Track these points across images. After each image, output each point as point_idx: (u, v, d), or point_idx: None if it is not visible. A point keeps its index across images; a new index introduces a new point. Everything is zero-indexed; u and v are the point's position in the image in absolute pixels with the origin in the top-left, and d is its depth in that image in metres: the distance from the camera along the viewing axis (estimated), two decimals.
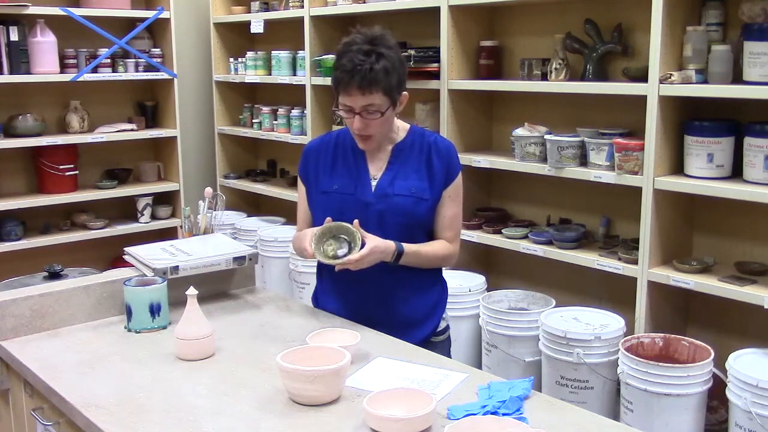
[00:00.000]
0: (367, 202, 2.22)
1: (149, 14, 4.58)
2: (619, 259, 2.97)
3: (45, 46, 4.19)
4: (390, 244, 2.14)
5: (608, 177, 2.94)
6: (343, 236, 2.11)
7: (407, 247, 2.17)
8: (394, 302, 2.24)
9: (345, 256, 2.07)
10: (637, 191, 2.86)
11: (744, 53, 2.61)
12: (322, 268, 2.37)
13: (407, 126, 2.32)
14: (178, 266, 2.27)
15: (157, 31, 4.74)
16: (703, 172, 2.74)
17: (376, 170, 2.26)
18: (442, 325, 2.35)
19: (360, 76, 2.06)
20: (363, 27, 2.20)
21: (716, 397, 2.71)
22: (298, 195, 2.42)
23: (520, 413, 1.65)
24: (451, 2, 3.41)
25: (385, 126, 2.19)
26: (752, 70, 2.58)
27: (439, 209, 2.25)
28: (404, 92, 2.20)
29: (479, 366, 3.23)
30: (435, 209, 2.25)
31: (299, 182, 2.39)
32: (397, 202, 2.21)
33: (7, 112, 4.29)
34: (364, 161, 2.26)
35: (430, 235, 2.29)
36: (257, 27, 4.60)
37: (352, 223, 2.11)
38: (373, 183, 2.24)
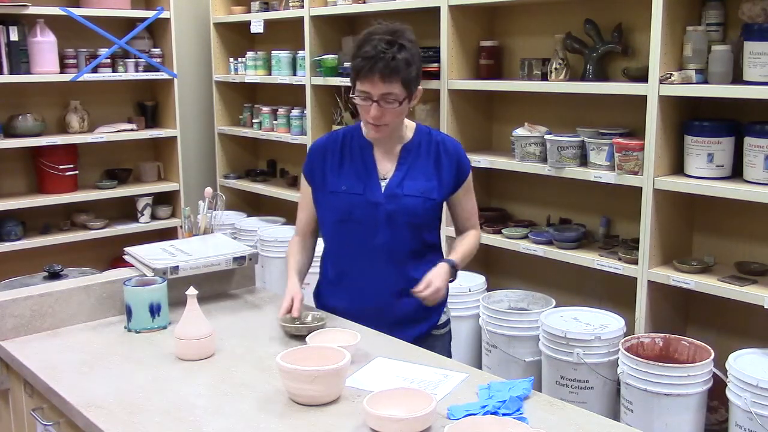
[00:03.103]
0: (377, 202, 2.23)
1: (149, 14, 4.58)
2: (619, 259, 2.97)
3: (45, 46, 4.19)
4: (443, 267, 2.22)
5: (608, 177, 2.94)
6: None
7: (455, 257, 2.30)
8: (399, 298, 2.25)
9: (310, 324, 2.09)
10: (637, 191, 2.86)
11: (744, 53, 2.61)
12: (327, 263, 2.37)
13: (414, 125, 2.33)
14: (178, 266, 2.27)
15: (157, 31, 4.74)
16: (703, 172, 2.74)
17: (385, 170, 2.27)
18: (443, 319, 2.37)
19: (383, 64, 2.08)
20: (385, 21, 2.23)
21: (716, 397, 2.71)
22: (301, 195, 2.40)
23: (520, 413, 1.65)
24: (451, 2, 3.41)
25: (399, 117, 2.20)
26: (752, 70, 2.58)
27: (459, 204, 2.37)
28: (419, 87, 2.23)
29: (479, 366, 3.23)
30: (441, 207, 2.32)
31: (303, 182, 2.38)
32: (407, 203, 2.23)
33: (7, 112, 4.29)
34: (372, 161, 2.27)
35: (437, 230, 2.34)
36: (257, 27, 4.60)
37: (360, 223, 2.21)
38: (383, 183, 2.25)
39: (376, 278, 2.24)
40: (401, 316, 2.26)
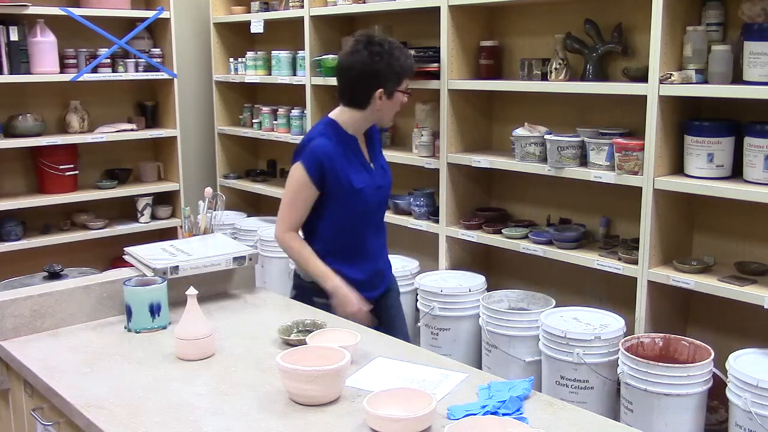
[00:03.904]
0: (381, 185, 2.61)
1: (149, 14, 4.58)
2: (619, 259, 2.97)
3: (45, 46, 4.19)
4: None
5: (608, 177, 2.94)
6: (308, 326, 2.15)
7: None
8: (385, 257, 2.73)
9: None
10: (637, 191, 2.86)
11: (744, 53, 2.61)
12: (336, 244, 2.55)
13: None
14: (178, 266, 2.27)
15: (157, 31, 4.74)
16: (703, 172, 2.74)
17: (366, 157, 2.59)
18: None
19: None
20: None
21: (716, 397, 2.71)
22: (297, 194, 2.49)
23: (520, 413, 1.65)
24: (451, 2, 3.41)
25: None
26: (752, 70, 2.58)
27: None
28: None
29: (479, 366, 3.23)
30: None
31: (306, 183, 2.47)
32: (389, 178, 2.69)
33: (7, 112, 4.29)
34: (360, 151, 2.57)
35: None
36: (257, 27, 4.60)
37: (375, 206, 2.59)
38: (372, 167, 2.60)
39: (381, 245, 2.69)
40: (387, 268, 2.75)
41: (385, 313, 2.70)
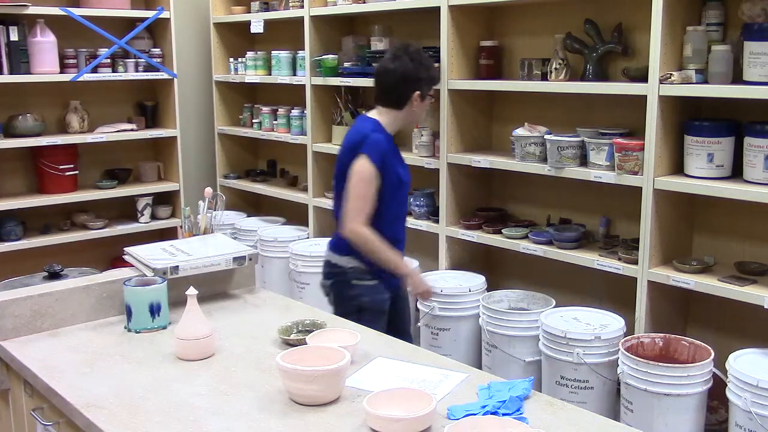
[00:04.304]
0: (410, 180, 2.87)
1: (149, 14, 4.58)
2: (619, 259, 2.97)
3: (45, 46, 4.19)
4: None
5: (608, 177, 2.94)
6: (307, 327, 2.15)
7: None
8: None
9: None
10: (637, 191, 2.86)
11: (744, 53, 2.61)
12: (382, 233, 2.70)
13: None
14: (178, 266, 2.27)
15: (157, 31, 4.74)
16: (703, 172, 2.74)
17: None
18: None
19: None
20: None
21: (716, 397, 2.71)
22: (369, 187, 2.67)
23: (520, 413, 1.65)
24: (451, 2, 3.41)
25: None
26: (752, 70, 2.58)
27: None
28: None
29: (479, 366, 3.23)
30: None
31: (376, 175, 2.67)
32: None
33: (7, 112, 4.29)
34: (397, 147, 2.82)
35: None
36: (257, 27, 4.60)
37: (407, 197, 2.92)
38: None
39: (402, 233, 2.90)
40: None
41: (398, 300, 2.92)
